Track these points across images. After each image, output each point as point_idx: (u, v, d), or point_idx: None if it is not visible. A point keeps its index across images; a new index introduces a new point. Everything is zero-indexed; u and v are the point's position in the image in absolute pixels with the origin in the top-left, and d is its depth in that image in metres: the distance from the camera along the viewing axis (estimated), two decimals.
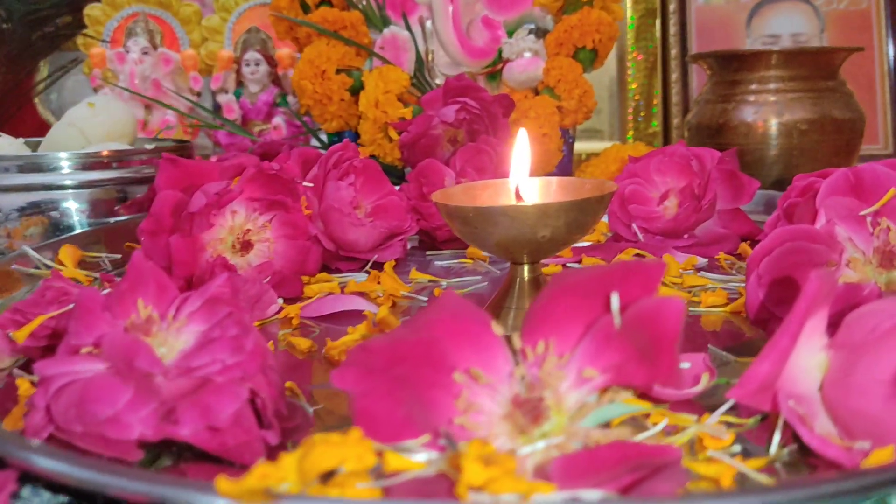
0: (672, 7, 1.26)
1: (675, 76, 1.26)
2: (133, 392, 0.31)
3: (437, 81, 0.90)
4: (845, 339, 0.30)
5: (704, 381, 0.35)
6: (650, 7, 1.24)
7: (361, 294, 0.57)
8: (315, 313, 0.53)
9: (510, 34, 0.93)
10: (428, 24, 0.90)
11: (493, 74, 0.92)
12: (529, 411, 0.28)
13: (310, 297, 0.56)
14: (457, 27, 0.88)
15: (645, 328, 0.27)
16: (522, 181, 0.50)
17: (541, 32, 0.90)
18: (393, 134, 0.83)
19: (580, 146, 1.24)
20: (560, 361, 0.29)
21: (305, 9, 0.91)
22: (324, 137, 0.96)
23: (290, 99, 1.15)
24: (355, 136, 0.87)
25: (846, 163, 0.92)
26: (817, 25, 1.26)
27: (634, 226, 0.67)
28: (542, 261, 0.50)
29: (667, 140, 1.25)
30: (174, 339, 0.34)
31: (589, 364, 0.29)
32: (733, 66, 0.93)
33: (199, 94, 1.18)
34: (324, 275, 0.61)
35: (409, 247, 0.71)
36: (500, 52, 0.91)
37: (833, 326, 0.32)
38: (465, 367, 0.30)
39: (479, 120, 0.80)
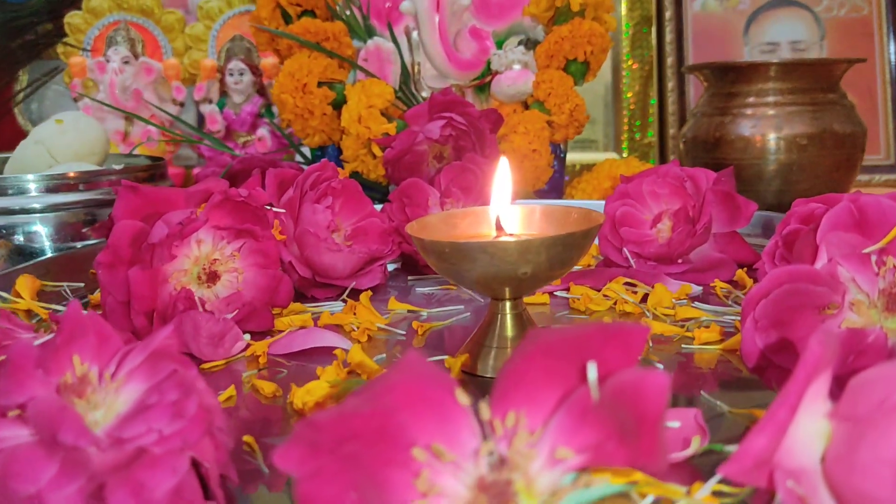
0: (668, 14, 1.23)
1: (671, 85, 1.23)
2: (58, 467, 0.28)
3: (424, 95, 0.86)
4: (850, 409, 0.27)
5: (696, 445, 0.32)
6: (646, 15, 1.21)
7: (336, 327, 0.54)
8: (284, 350, 0.50)
9: (499, 45, 0.90)
10: (414, 34, 0.87)
11: (482, 87, 0.89)
12: (496, 496, 0.25)
13: (281, 331, 0.52)
14: (443, 38, 0.85)
15: (626, 405, 0.24)
16: (503, 211, 0.47)
17: (531, 44, 0.87)
18: (376, 150, 0.80)
19: (573, 157, 1.21)
20: (531, 438, 0.26)
21: (287, 19, 0.88)
22: (307, 151, 0.92)
23: (275, 109, 1.12)
24: (338, 152, 0.84)
25: (847, 178, 0.89)
26: (817, 33, 1.23)
27: (626, 250, 0.64)
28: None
29: (663, 151, 1.22)
30: (112, 400, 0.31)
31: (563, 442, 0.26)
32: (730, 78, 0.90)
33: (181, 105, 1.15)
34: (297, 305, 0.58)
35: (390, 270, 0.68)
36: (488, 63, 0.88)
37: (836, 381, 0.29)
38: (426, 442, 0.26)
39: (465, 136, 0.77)
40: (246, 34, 1.13)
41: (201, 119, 1.14)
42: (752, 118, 0.88)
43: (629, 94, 1.21)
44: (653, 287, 0.58)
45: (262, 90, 1.13)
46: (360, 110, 0.79)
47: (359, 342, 0.51)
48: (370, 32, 0.87)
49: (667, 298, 0.56)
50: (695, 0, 1.24)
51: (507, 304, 0.45)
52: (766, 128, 0.87)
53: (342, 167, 0.83)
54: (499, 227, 0.46)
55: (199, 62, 1.16)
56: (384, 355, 0.49)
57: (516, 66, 0.85)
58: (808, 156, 0.86)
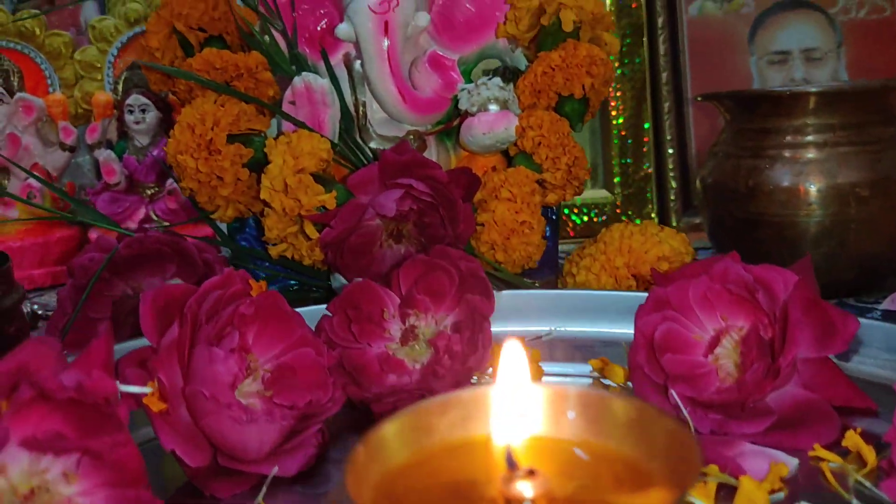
0: (660, 21, 1.03)
1: (667, 105, 1.03)
2: None
3: (373, 145, 0.66)
4: None
5: None
6: (636, 23, 1.02)
7: None
8: None
9: (467, 76, 0.69)
10: (357, 65, 0.66)
11: (447, 132, 0.68)
12: None
13: None
14: (395, 71, 0.64)
15: None
16: (516, 438, 0.27)
17: (509, 74, 0.66)
18: (311, 230, 0.59)
19: None
20: None
21: (187, 49, 0.66)
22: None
23: None
24: (260, 224, 0.63)
25: None
26: (833, 38, 1.05)
27: (674, 393, 0.44)
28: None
29: (661, 185, 1.02)
30: None
31: None
32: (762, 111, 0.70)
33: (72, 150, 0.92)
34: None
35: (328, 433, 0.47)
36: (454, 101, 0.67)
37: None
38: None
39: (430, 209, 0.56)
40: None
41: (97, 168, 0.91)
42: (795, 162, 0.68)
43: (620, 119, 1.01)
44: (730, 471, 0.38)
45: (171, 129, 0.90)
46: (286, 176, 0.58)
47: None
48: (298, 64, 0.66)
49: (758, 497, 0.36)
50: (691, 3, 1.05)
51: None
52: (814, 175, 0.67)
53: (264, 248, 0.62)
54: (511, 465, 0.26)
55: (94, 95, 0.93)
56: None
57: (492, 107, 0.64)
58: (871, 210, 0.67)
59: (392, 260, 0.59)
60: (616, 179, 1.01)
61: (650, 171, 1.02)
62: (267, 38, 0.67)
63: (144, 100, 0.88)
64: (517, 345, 0.28)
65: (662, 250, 0.62)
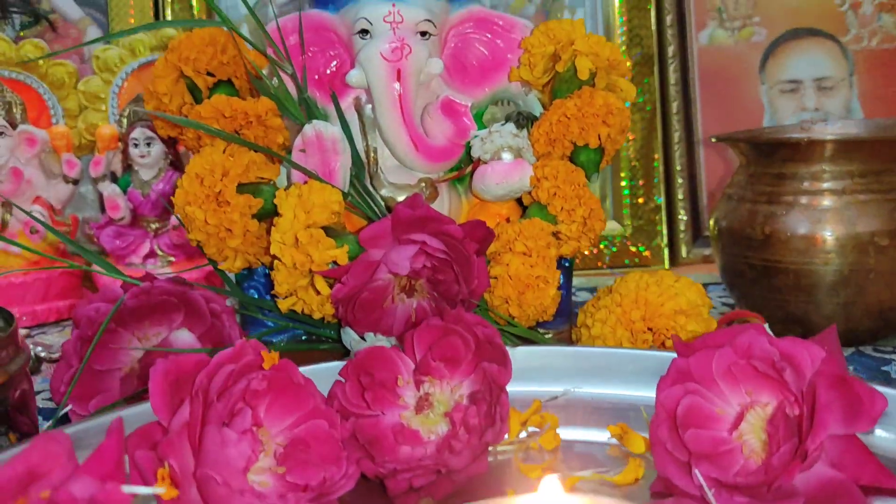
0: (671, 50, 1.02)
1: (677, 136, 1.02)
2: None
3: (384, 192, 0.64)
4: None
5: None
6: (646, 53, 1.00)
7: None
8: None
9: (479, 119, 0.68)
10: (367, 109, 0.65)
11: (461, 178, 0.67)
12: None
13: None
14: (407, 119, 0.63)
15: None
16: None
17: (523, 119, 0.65)
18: (322, 286, 0.57)
19: None
20: None
21: (196, 94, 0.65)
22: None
23: None
24: (269, 279, 0.62)
25: None
26: (845, 67, 1.04)
27: (698, 473, 0.43)
28: None
29: (671, 216, 1.01)
30: None
31: None
32: (778, 156, 0.69)
33: (75, 182, 0.91)
34: None
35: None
36: (467, 147, 0.66)
37: None
38: None
39: (445, 266, 0.55)
40: None
41: (101, 202, 0.90)
42: (813, 210, 0.67)
43: (629, 150, 1.00)
44: None
45: (177, 161, 0.90)
46: (296, 230, 0.57)
47: None
48: (309, 110, 0.65)
49: None
50: (701, 31, 1.04)
51: None
52: (833, 223, 0.66)
53: (273, 296, 0.61)
54: None
55: (98, 126, 0.92)
56: None
57: (505, 155, 0.63)
58: (890, 259, 0.66)
59: (404, 314, 0.58)
60: (625, 211, 1.00)
61: (660, 202, 1.00)
62: (276, 80, 0.65)
63: (150, 133, 0.87)
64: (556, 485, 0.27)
65: (679, 304, 0.60)
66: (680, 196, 1.01)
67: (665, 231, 1.00)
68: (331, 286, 0.58)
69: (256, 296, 0.67)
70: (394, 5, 0.63)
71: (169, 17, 0.98)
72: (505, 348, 0.49)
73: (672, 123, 1.02)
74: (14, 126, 0.88)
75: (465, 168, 0.66)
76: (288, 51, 0.66)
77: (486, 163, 0.64)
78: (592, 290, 0.94)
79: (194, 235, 0.60)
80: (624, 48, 1.00)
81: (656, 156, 1.01)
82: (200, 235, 0.60)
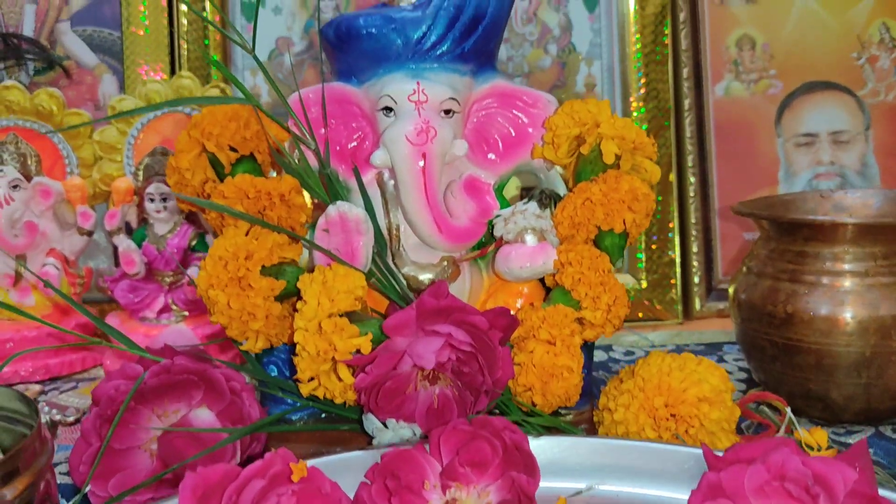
0: (687, 103, 1.02)
1: (692, 189, 1.02)
2: None
3: (406, 270, 0.64)
4: None
5: None
6: (663, 106, 1.00)
7: None
8: None
9: (500, 190, 0.67)
10: (390, 185, 0.65)
11: (483, 256, 0.67)
12: None
13: None
14: (431, 201, 0.62)
15: None
16: None
17: (546, 198, 0.65)
18: (345, 374, 0.57)
19: None
20: None
21: (218, 168, 0.65)
22: None
23: (210, 239, 0.89)
24: (291, 351, 0.61)
25: None
26: (862, 121, 1.04)
27: None
28: None
29: (685, 270, 1.01)
30: None
31: None
32: (801, 234, 0.69)
33: (90, 234, 0.91)
34: None
35: None
36: (490, 226, 0.66)
37: None
38: None
39: (470, 359, 0.55)
40: (170, 145, 0.90)
41: (116, 255, 0.90)
42: (835, 291, 0.67)
43: None
44: None
45: (192, 216, 0.89)
46: (320, 319, 0.56)
47: None
48: (331, 185, 0.65)
49: None
50: (718, 83, 1.04)
51: None
52: (856, 305, 0.66)
53: (294, 371, 0.60)
54: None
55: (113, 178, 0.92)
56: None
57: (529, 237, 0.63)
58: None
59: (426, 400, 0.58)
60: (640, 265, 1.00)
61: (674, 256, 1.00)
62: (297, 154, 0.65)
63: (166, 188, 0.86)
64: None
65: (703, 391, 0.60)
66: (694, 249, 1.01)
67: (679, 284, 1.00)
68: (353, 373, 0.57)
69: (276, 370, 0.67)
70: (418, 83, 0.63)
71: (185, 68, 0.98)
72: (533, 455, 0.49)
73: (687, 176, 1.02)
74: (29, 179, 0.88)
75: (487, 247, 0.66)
76: (311, 124, 0.65)
77: (508, 242, 0.64)
78: (608, 347, 0.94)
79: (217, 318, 0.60)
80: (642, 103, 1.00)
81: (671, 209, 1.01)
82: (223, 319, 0.60)
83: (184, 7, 1.00)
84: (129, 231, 0.92)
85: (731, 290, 0.76)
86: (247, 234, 0.61)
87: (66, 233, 0.90)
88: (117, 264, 0.90)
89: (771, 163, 1.04)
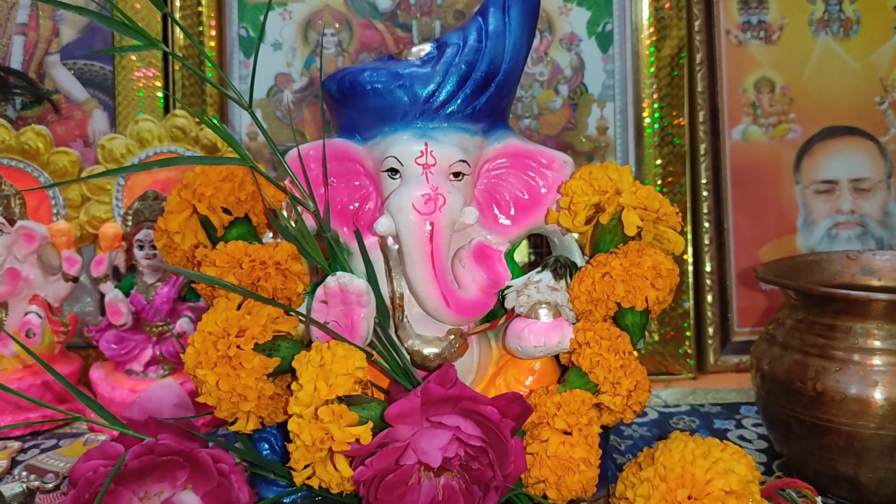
0: (703, 148, 0.98)
1: (707, 238, 0.97)
2: None
3: (410, 343, 0.60)
4: None
5: None
6: (679, 152, 0.96)
7: None
8: None
9: (510, 256, 0.63)
10: (394, 250, 0.60)
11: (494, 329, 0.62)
12: None
13: None
14: (439, 274, 0.58)
15: None
16: None
17: (561, 268, 0.60)
18: (343, 465, 0.53)
19: None
20: None
21: (210, 231, 0.60)
22: None
23: None
24: (284, 432, 0.57)
25: None
26: (884, 168, 1.00)
27: None
28: None
29: (699, 322, 0.97)
30: None
31: None
32: (832, 307, 0.65)
33: (75, 280, 0.86)
34: None
35: None
36: (500, 298, 0.61)
37: None
38: None
39: (479, 454, 0.50)
40: (159, 189, 0.85)
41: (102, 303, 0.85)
42: (868, 370, 0.63)
43: None
44: None
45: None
46: (316, 405, 0.52)
47: None
48: (332, 252, 0.60)
49: None
50: (735, 127, 0.99)
51: None
52: (890, 386, 0.62)
53: (286, 452, 0.56)
54: None
55: (101, 221, 0.88)
56: None
57: (543, 312, 0.58)
58: None
59: (430, 492, 0.54)
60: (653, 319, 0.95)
61: (688, 307, 0.96)
62: (295, 216, 0.61)
63: None
64: None
65: (729, 482, 0.55)
66: (709, 300, 0.97)
67: (693, 337, 0.96)
68: (351, 463, 0.53)
69: (268, 448, 0.62)
70: (426, 144, 0.59)
71: (179, 94, 0.94)
72: None
73: (702, 224, 0.97)
74: (12, 222, 0.83)
75: (497, 319, 0.61)
76: (310, 183, 0.61)
77: (520, 315, 0.60)
78: None
79: (205, 399, 0.55)
80: (657, 150, 0.96)
81: (686, 257, 0.96)
82: (212, 400, 0.55)
83: (178, 32, 0.95)
84: (117, 276, 0.87)
85: (753, 359, 0.72)
86: (239, 307, 0.56)
87: (51, 279, 0.86)
88: (103, 312, 0.85)
89: (789, 210, 1.00)
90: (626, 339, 0.57)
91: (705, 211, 0.98)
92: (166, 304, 0.83)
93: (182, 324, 0.82)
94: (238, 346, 0.54)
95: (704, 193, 0.97)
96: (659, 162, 0.96)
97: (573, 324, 0.58)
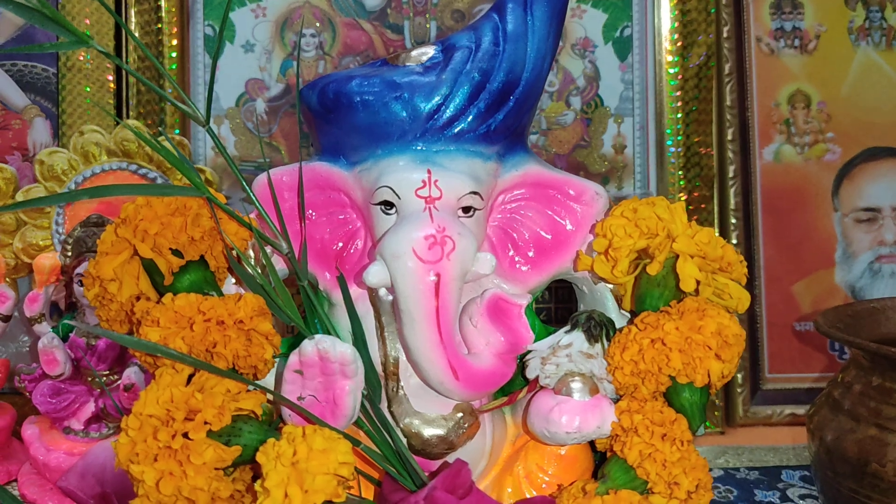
0: (732, 170, 0.86)
1: None
2: None
3: (407, 422, 0.47)
4: None
5: None
6: (707, 175, 0.85)
7: None
8: None
9: (530, 309, 0.51)
10: (388, 302, 0.48)
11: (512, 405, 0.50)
12: None
13: None
14: (445, 337, 0.46)
15: None
16: None
17: (596, 327, 0.48)
18: None
19: None
20: None
21: (155, 277, 0.48)
22: None
23: None
24: None
25: None
26: None
27: None
28: None
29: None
30: None
31: None
32: None
33: (6, 320, 0.73)
34: None
35: None
36: (519, 366, 0.49)
37: None
38: None
39: None
40: (106, 212, 0.73)
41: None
42: None
43: None
44: None
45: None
46: None
47: None
48: (309, 304, 0.48)
49: None
50: (766, 146, 0.88)
51: None
52: None
53: None
54: None
55: (39, 249, 0.75)
56: None
57: (576, 387, 0.46)
58: None
59: None
60: None
61: None
62: (263, 260, 0.48)
63: None
64: None
65: None
66: None
67: (722, 411, 0.85)
68: None
69: None
70: (429, 172, 0.47)
71: (133, 116, 0.81)
72: None
73: None
74: None
75: (516, 392, 0.49)
76: (283, 217, 0.49)
77: (546, 388, 0.47)
78: None
79: (141, 502, 0.43)
80: (682, 172, 0.84)
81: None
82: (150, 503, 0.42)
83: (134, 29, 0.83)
84: (58, 312, 0.74)
85: (810, 426, 0.60)
86: (189, 381, 0.44)
87: None
88: (38, 358, 0.72)
89: (826, 241, 0.89)
90: (684, 424, 0.45)
91: (734, 241, 0.86)
92: (112, 351, 0.70)
93: (130, 374, 0.69)
94: (186, 436, 0.42)
95: (733, 221, 0.86)
96: (683, 185, 0.85)
97: (614, 401, 0.46)
